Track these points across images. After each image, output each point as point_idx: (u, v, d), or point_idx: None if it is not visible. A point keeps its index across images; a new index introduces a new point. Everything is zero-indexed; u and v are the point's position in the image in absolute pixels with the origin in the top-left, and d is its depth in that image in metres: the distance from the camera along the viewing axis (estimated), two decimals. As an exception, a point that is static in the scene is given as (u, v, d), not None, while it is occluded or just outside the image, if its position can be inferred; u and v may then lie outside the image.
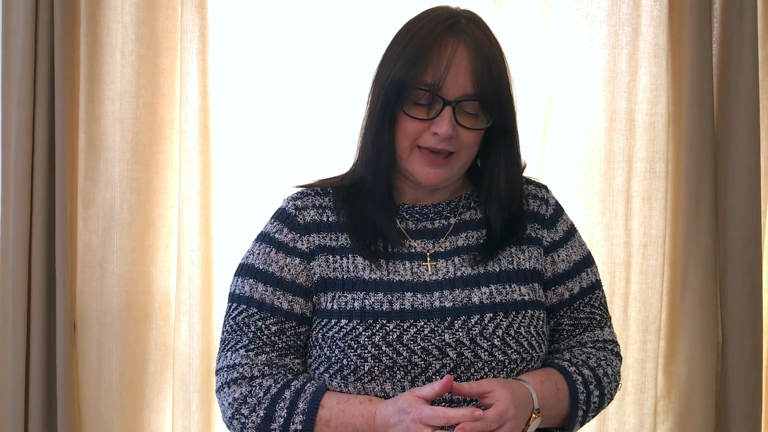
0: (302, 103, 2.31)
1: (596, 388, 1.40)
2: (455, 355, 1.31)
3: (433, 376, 1.30)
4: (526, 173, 1.49)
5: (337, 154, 2.21)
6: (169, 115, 2.30)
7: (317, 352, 1.36)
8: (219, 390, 1.37)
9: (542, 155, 2.36)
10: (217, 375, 1.39)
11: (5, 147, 2.24)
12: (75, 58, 2.23)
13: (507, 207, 1.41)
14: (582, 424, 1.41)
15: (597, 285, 1.51)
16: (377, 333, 1.31)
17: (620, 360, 1.50)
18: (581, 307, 1.48)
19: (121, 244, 2.26)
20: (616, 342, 1.51)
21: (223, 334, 1.41)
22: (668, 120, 2.33)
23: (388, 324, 1.31)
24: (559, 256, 1.46)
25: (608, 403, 1.45)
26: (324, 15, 2.32)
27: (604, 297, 1.53)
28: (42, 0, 2.17)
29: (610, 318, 1.54)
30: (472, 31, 1.33)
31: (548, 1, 2.33)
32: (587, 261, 1.51)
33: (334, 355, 1.32)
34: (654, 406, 2.37)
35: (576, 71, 2.34)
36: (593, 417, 1.43)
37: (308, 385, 1.33)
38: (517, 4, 2.33)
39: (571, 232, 1.51)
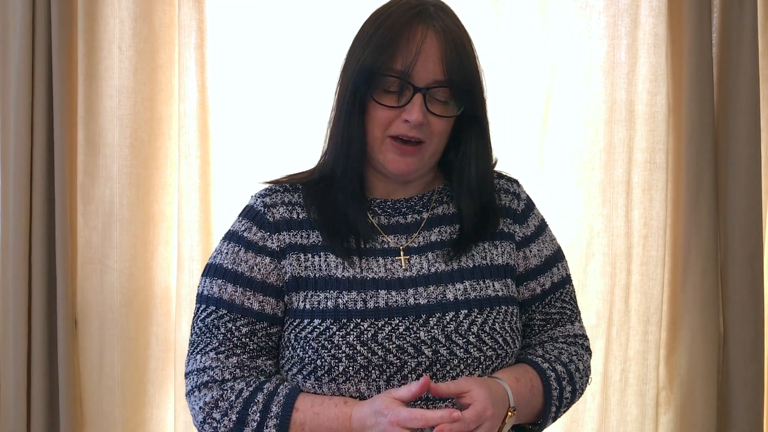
0: (301, 96, 2.31)
1: (569, 383, 1.40)
2: (431, 353, 1.29)
3: (409, 375, 1.29)
4: (497, 168, 1.48)
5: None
6: (167, 111, 2.30)
7: (290, 352, 1.33)
8: (189, 394, 1.34)
9: (542, 147, 2.35)
10: (186, 378, 1.36)
11: (4, 144, 2.24)
12: (73, 54, 2.23)
13: (479, 198, 1.40)
14: (554, 419, 1.41)
15: (567, 280, 1.51)
16: (351, 332, 1.29)
17: (590, 354, 1.50)
18: (552, 302, 1.48)
19: (121, 240, 2.27)
20: (586, 336, 1.52)
21: (191, 336, 1.37)
22: (668, 110, 2.32)
23: (362, 323, 1.29)
24: (531, 251, 1.46)
25: (579, 397, 1.45)
26: (322, 8, 2.31)
27: (574, 292, 1.53)
28: (39, -4, 2.18)
29: (579, 312, 1.54)
30: (441, 18, 1.32)
31: (546, -8, 2.33)
32: (558, 256, 1.51)
33: (307, 355, 1.30)
34: (656, 397, 2.37)
35: (575, 62, 2.34)
36: (565, 412, 1.43)
37: (281, 387, 1.31)
38: (515, -4, 2.32)
39: (542, 226, 1.50)
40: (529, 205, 1.50)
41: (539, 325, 1.48)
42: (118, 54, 2.24)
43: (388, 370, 1.29)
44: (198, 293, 1.38)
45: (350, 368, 1.28)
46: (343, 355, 1.28)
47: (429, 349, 1.30)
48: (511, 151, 2.30)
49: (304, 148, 2.27)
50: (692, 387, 2.34)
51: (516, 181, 1.51)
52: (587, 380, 1.47)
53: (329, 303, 1.31)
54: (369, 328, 1.29)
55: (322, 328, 1.30)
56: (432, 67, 1.30)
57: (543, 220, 1.52)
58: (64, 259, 2.21)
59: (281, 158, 2.29)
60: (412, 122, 1.30)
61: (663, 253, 2.33)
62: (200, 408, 1.32)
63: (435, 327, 1.31)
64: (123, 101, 2.25)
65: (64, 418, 2.23)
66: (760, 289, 2.34)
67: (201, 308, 1.36)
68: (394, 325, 1.30)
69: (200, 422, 1.32)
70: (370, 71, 1.30)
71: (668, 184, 2.34)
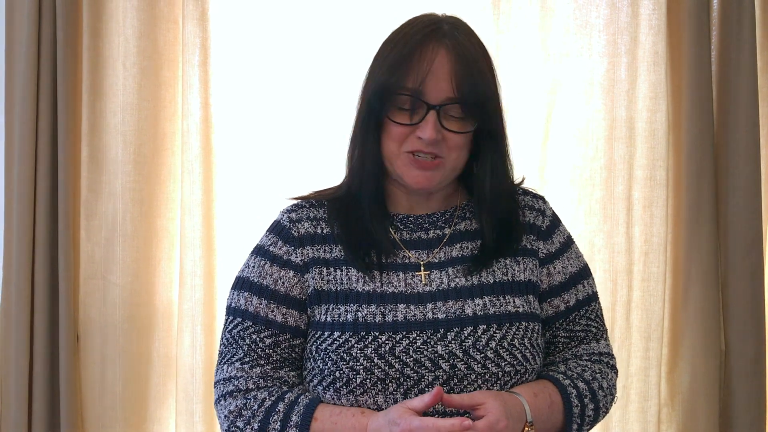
0: (304, 113, 2.32)
1: (591, 401, 1.40)
2: (448, 367, 1.31)
3: (426, 389, 1.30)
4: (525, 185, 1.49)
5: (339, 164, 2.21)
6: (171, 127, 2.31)
7: (311, 364, 1.36)
8: (216, 402, 1.39)
9: (543, 164, 2.36)
10: (215, 387, 1.40)
11: (8, 159, 2.25)
12: (77, 71, 2.25)
13: (495, 212, 1.41)
14: None
15: (593, 297, 1.50)
16: (369, 345, 1.31)
17: (616, 373, 1.49)
18: (577, 320, 1.47)
19: (124, 256, 2.27)
20: (612, 355, 1.51)
21: (220, 347, 1.42)
22: (668, 128, 2.33)
23: (380, 336, 1.31)
24: (555, 268, 1.46)
25: (603, 416, 1.44)
26: (325, 26, 2.33)
27: (601, 309, 1.52)
28: (44, 14, 2.19)
29: (606, 330, 1.53)
30: (454, 35, 1.34)
31: (547, 11, 2.34)
32: (584, 273, 1.50)
33: (327, 367, 1.33)
34: (657, 414, 2.36)
35: (576, 80, 2.35)
36: (588, 430, 1.42)
37: (302, 397, 1.34)
38: (516, 15, 2.34)
39: (568, 243, 1.50)
40: (555, 221, 1.50)
41: (563, 343, 1.48)
42: (123, 71, 2.26)
43: (405, 384, 1.30)
44: (227, 305, 1.42)
45: (368, 380, 1.30)
46: (361, 367, 1.30)
47: (446, 364, 1.31)
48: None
49: (308, 164, 2.30)
50: (694, 403, 2.34)
51: (542, 198, 1.51)
52: (612, 399, 1.46)
53: (349, 316, 1.34)
54: (387, 342, 1.31)
55: (341, 341, 1.32)
56: (443, 84, 1.31)
57: (569, 237, 1.51)
58: (67, 273, 2.21)
59: (284, 174, 2.31)
60: (425, 139, 1.32)
61: (664, 269, 2.34)
62: (225, 416, 1.36)
63: (453, 342, 1.32)
64: (127, 118, 2.26)
65: (65, 434, 2.23)
66: (762, 305, 2.35)
67: (229, 320, 1.41)
68: (411, 339, 1.31)
69: (225, 430, 1.37)
70: (384, 90, 1.33)
71: (668, 201, 2.35)
